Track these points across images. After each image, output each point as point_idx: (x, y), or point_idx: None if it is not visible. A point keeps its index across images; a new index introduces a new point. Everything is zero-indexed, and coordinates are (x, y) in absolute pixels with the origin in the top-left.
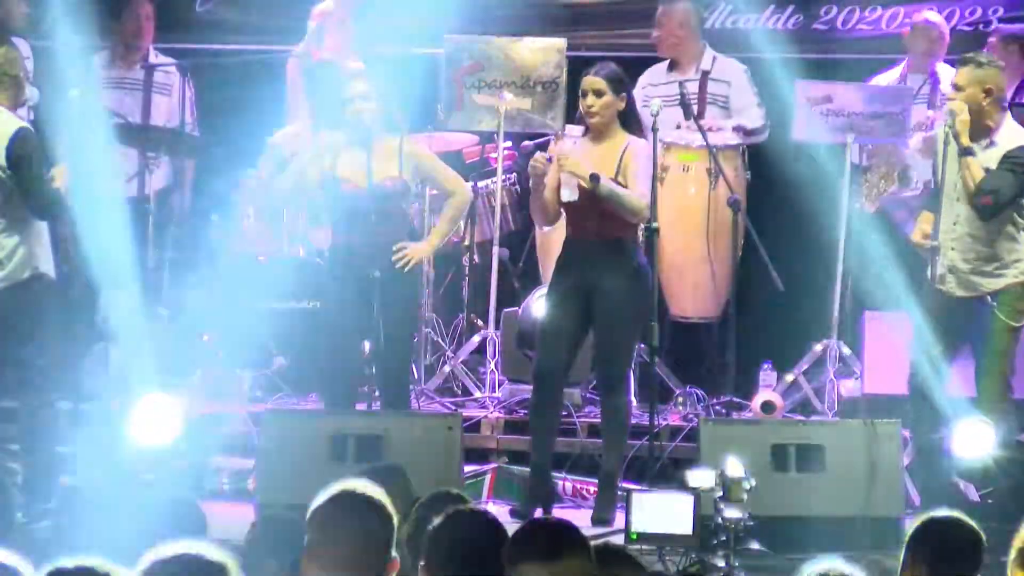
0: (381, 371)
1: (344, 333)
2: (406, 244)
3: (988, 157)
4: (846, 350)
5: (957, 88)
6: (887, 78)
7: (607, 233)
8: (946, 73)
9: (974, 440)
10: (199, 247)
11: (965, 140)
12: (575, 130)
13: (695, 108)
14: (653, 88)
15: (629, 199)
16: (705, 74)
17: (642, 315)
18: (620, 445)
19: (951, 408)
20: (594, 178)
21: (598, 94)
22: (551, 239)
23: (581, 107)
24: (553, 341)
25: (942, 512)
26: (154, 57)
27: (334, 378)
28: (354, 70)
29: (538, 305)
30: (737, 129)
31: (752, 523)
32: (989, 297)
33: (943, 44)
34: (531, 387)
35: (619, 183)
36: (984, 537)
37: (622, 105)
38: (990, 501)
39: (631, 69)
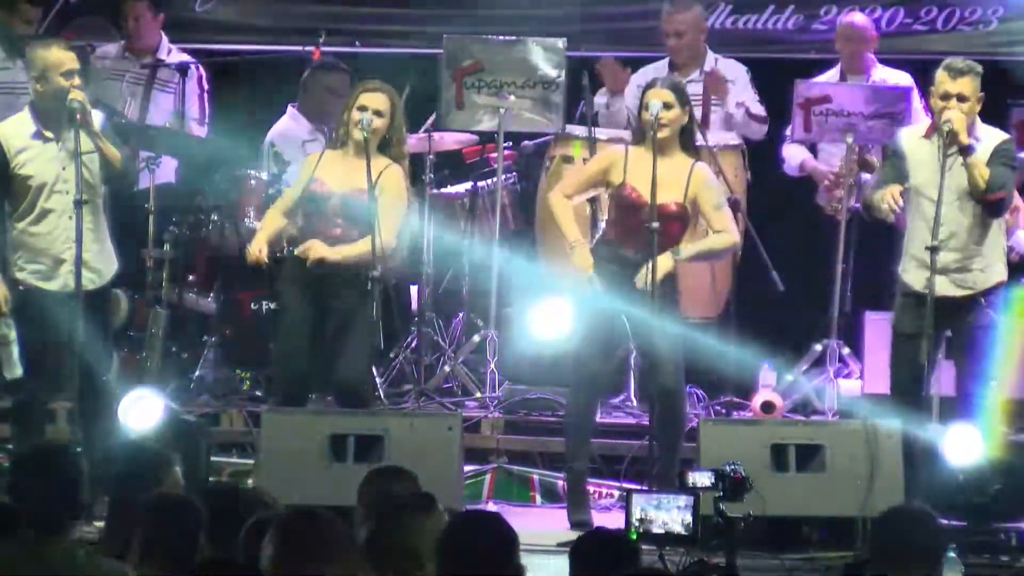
0: (337, 377)
1: (299, 334)
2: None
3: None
4: (846, 350)
5: (962, 99)
6: (825, 79)
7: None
8: (888, 76)
9: (964, 446)
10: (198, 247)
11: (966, 139)
12: (577, 130)
13: (698, 108)
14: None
15: (720, 245)
16: (708, 76)
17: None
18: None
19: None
20: (675, 252)
21: (667, 107)
22: (552, 239)
23: (645, 118)
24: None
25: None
26: (166, 55)
27: (287, 380)
28: (377, 82)
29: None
30: (739, 104)
31: (752, 523)
32: (983, 298)
33: (871, 44)
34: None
35: (685, 207)
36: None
37: (686, 119)
38: (988, 502)
39: (632, 67)
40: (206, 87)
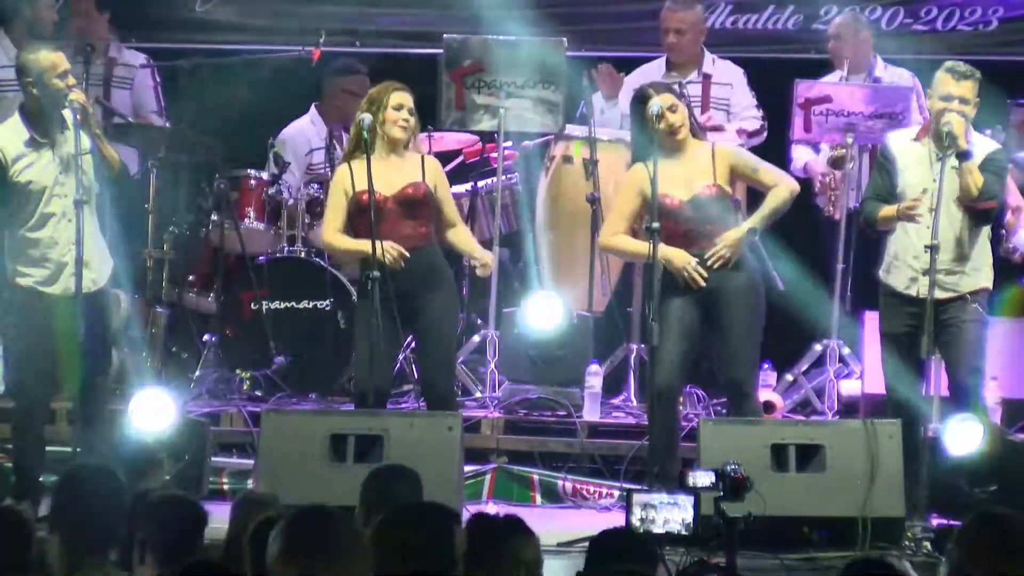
0: (425, 377)
1: (377, 346)
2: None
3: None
4: (846, 350)
5: (964, 101)
6: (831, 80)
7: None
8: (888, 74)
9: (964, 438)
10: (198, 247)
11: (964, 144)
12: (577, 130)
13: (697, 110)
14: None
15: (778, 200)
16: (707, 77)
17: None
18: None
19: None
20: (752, 232)
21: (673, 109)
22: (552, 240)
23: (659, 127)
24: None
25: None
26: (116, 52)
27: (367, 393)
28: (399, 82)
29: (536, 310)
30: (739, 132)
31: (752, 523)
32: (969, 296)
33: (859, 43)
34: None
35: (722, 188)
36: None
37: (686, 109)
38: (988, 502)
39: (631, 68)
40: (158, 80)
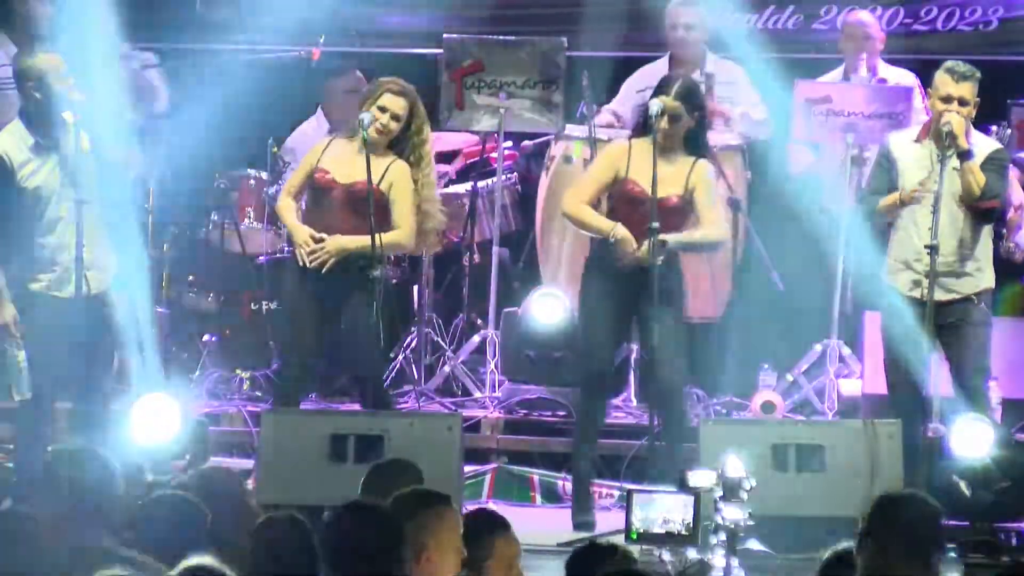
0: (357, 371)
1: (301, 327)
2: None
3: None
4: (846, 350)
5: (963, 102)
6: (830, 79)
7: None
8: (891, 74)
9: (974, 439)
10: (198, 247)
11: (965, 143)
12: (577, 130)
13: None
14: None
15: (704, 236)
16: (710, 77)
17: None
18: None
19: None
20: (661, 243)
21: (674, 119)
22: (553, 240)
23: (658, 127)
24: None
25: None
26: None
27: (289, 381)
28: (402, 85)
29: (539, 305)
30: (743, 116)
31: (752, 523)
32: (975, 297)
33: (875, 43)
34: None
35: (685, 199)
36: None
37: (692, 124)
38: (990, 501)
39: (631, 69)
40: (159, 82)
